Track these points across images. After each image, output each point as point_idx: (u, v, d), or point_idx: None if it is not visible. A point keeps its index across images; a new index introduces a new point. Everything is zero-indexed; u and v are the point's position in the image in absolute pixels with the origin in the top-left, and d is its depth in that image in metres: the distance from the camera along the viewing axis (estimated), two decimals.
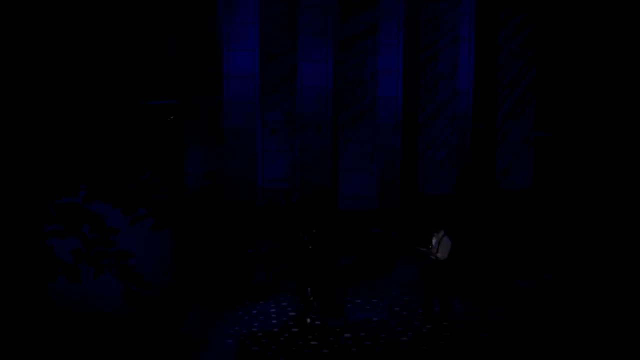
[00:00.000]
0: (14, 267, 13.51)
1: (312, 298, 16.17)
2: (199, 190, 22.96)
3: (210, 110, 23.05)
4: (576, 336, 15.74)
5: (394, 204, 23.24)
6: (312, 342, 15.44)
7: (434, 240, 16.61)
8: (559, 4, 24.25)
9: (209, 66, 22.96)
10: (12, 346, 13.43)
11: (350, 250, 20.55)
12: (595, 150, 23.65)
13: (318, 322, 16.23)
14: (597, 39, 23.57)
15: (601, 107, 23.61)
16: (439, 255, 16.48)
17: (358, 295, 17.89)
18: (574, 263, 19.67)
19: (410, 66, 23.60)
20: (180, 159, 22.96)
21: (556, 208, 22.96)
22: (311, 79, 23.21)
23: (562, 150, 24.38)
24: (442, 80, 23.98)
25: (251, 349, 15.18)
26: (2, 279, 13.46)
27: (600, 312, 16.83)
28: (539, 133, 24.71)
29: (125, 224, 16.20)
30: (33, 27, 13.43)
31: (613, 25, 23.26)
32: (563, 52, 24.27)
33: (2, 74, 13.27)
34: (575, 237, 21.15)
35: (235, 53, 22.48)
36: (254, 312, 16.88)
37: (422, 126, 24.19)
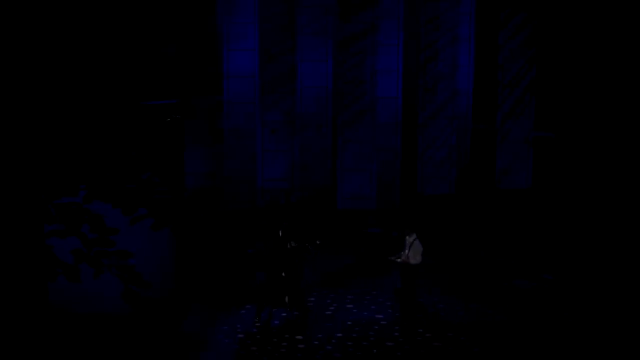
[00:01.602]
0: (14, 267, 13.51)
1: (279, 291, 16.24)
2: (199, 190, 22.96)
3: (210, 110, 23.05)
4: (576, 336, 15.74)
5: (394, 204, 23.24)
6: (299, 340, 15.47)
7: (406, 244, 16.67)
8: (559, 4, 24.25)
9: (209, 66, 22.96)
10: (12, 346, 13.43)
11: (350, 250, 20.55)
12: (595, 150, 23.65)
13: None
14: (597, 39, 23.58)
15: (601, 107, 23.62)
16: (411, 260, 16.51)
17: (356, 295, 17.88)
18: (574, 263, 19.67)
19: (410, 66, 23.60)
20: (180, 159, 22.96)
21: (556, 208, 22.96)
22: (311, 79, 23.21)
23: (562, 150, 24.39)
24: (442, 80, 23.98)
25: (251, 348, 15.18)
26: (2, 279, 13.46)
27: (600, 312, 16.83)
28: (538, 133, 24.72)
29: (125, 224, 16.22)
30: (33, 27, 13.42)
31: (613, 25, 23.26)
32: (563, 52, 24.28)
33: (2, 74, 13.27)
34: (575, 237, 21.15)
35: (235, 53, 22.48)
36: (254, 311, 16.86)
37: (422, 126, 24.19)
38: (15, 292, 13.52)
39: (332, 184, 23.52)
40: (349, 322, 16.36)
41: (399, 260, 16.83)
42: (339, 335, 15.79)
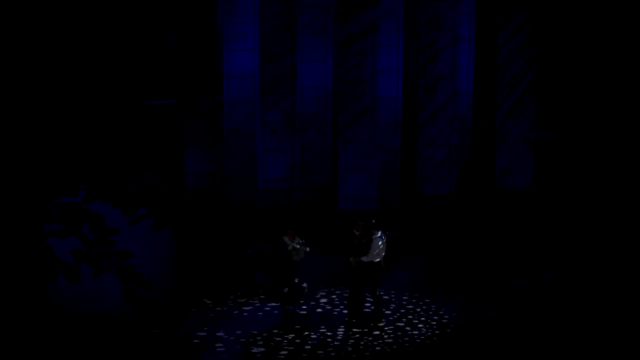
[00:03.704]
0: (14, 267, 13.51)
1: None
2: (199, 190, 22.96)
3: (210, 110, 23.05)
4: (576, 336, 15.74)
5: (394, 204, 23.23)
6: (309, 342, 15.48)
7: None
8: (558, 4, 24.25)
9: (209, 66, 22.97)
10: (12, 346, 13.43)
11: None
12: (595, 150, 23.66)
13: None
14: (597, 39, 23.58)
15: (601, 107, 23.62)
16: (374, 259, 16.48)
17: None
18: (574, 263, 19.66)
19: (410, 66, 23.60)
20: (180, 159, 22.96)
21: (556, 208, 22.95)
22: (311, 79, 23.23)
23: (562, 150, 24.39)
24: (442, 80, 23.98)
25: (250, 348, 15.19)
26: (2, 279, 13.46)
27: (600, 312, 16.83)
28: (539, 133, 24.71)
29: (125, 224, 16.20)
30: (33, 27, 13.43)
31: (613, 25, 23.26)
32: (563, 52, 24.28)
33: (2, 74, 13.28)
34: (575, 237, 21.15)
35: (235, 53, 22.48)
36: (254, 311, 16.88)
37: (422, 126, 24.19)
38: (15, 292, 13.52)
39: (332, 184, 23.52)
40: (345, 319, 16.41)
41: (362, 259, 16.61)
42: (329, 333, 15.82)
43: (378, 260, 16.52)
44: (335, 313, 16.88)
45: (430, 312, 16.88)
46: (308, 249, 16.93)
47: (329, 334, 15.86)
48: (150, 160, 20.40)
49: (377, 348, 15.27)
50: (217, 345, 15.36)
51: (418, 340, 15.57)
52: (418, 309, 17.05)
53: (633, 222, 21.42)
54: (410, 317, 16.69)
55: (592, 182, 23.26)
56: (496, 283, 18.50)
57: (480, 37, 24.68)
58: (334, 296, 17.70)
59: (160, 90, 23.11)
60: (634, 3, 22.93)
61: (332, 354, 15.01)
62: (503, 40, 24.29)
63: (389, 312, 16.91)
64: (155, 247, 17.03)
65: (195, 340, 15.49)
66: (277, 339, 15.61)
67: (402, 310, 17.01)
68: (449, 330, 16.04)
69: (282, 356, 14.93)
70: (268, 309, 17.04)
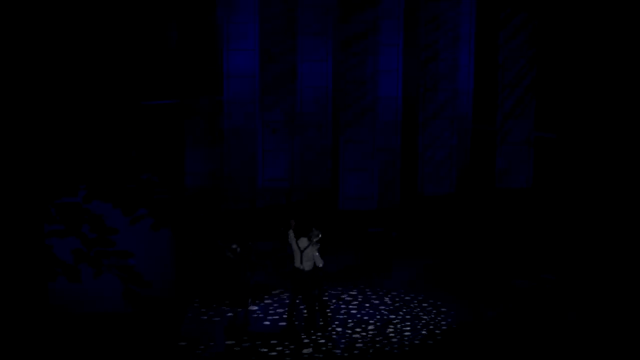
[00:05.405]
0: (14, 267, 13.53)
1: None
2: (199, 190, 22.96)
3: (210, 110, 23.05)
4: (576, 336, 15.74)
5: (394, 204, 23.24)
6: (305, 341, 15.48)
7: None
8: (559, 4, 24.24)
9: (209, 66, 22.97)
10: (12, 346, 13.45)
11: (350, 250, 20.55)
12: (596, 150, 23.64)
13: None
14: (597, 39, 23.57)
15: (602, 107, 23.60)
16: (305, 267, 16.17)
17: (354, 295, 17.90)
18: (574, 263, 19.66)
19: (410, 66, 23.60)
20: (180, 159, 22.96)
21: (556, 208, 22.95)
22: (311, 79, 23.22)
23: (562, 150, 24.37)
24: (442, 80, 23.97)
25: (249, 348, 15.19)
26: (2, 279, 13.48)
27: (601, 312, 16.83)
28: (539, 133, 24.70)
29: (125, 224, 16.22)
30: (33, 27, 13.44)
31: (613, 25, 23.25)
32: (563, 52, 24.26)
33: (2, 74, 13.30)
34: (575, 237, 21.15)
35: (235, 53, 22.49)
36: (253, 311, 16.89)
37: (423, 126, 24.18)
38: (15, 292, 13.54)
39: (332, 184, 23.52)
40: (349, 321, 16.41)
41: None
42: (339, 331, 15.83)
43: (304, 269, 16.13)
44: (337, 313, 16.89)
45: (430, 312, 16.89)
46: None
47: (331, 334, 15.88)
48: (150, 160, 20.40)
49: (378, 347, 15.27)
50: (217, 345, 15.36)
51: (417, 341, 15.58)
52: (418, 309, 17.06)
53: (633, 222, 21.42)
54: (410, 317, 16.70)
55: (593, 183, 23.24)
56: (496, 283, 18.51)
57: (481, 37, 24.66)
58: (334, 297, 17.72)
59: (160, 90, 23.10)
60: (634, 3, 22.92)
61: (334, 354, 15.02)
62: (503, 40, 24.28)
63: (392, 316, 16.91)
64: (155, 247, 17.04)
65: (195, 340, 15.50)
66: (276, 337, 15.63)
67: (402, 310, 17.01)
68: (448, 330, 16.05)
69: (282, 357, 14.95)
70: (267, 308, 17.05)
